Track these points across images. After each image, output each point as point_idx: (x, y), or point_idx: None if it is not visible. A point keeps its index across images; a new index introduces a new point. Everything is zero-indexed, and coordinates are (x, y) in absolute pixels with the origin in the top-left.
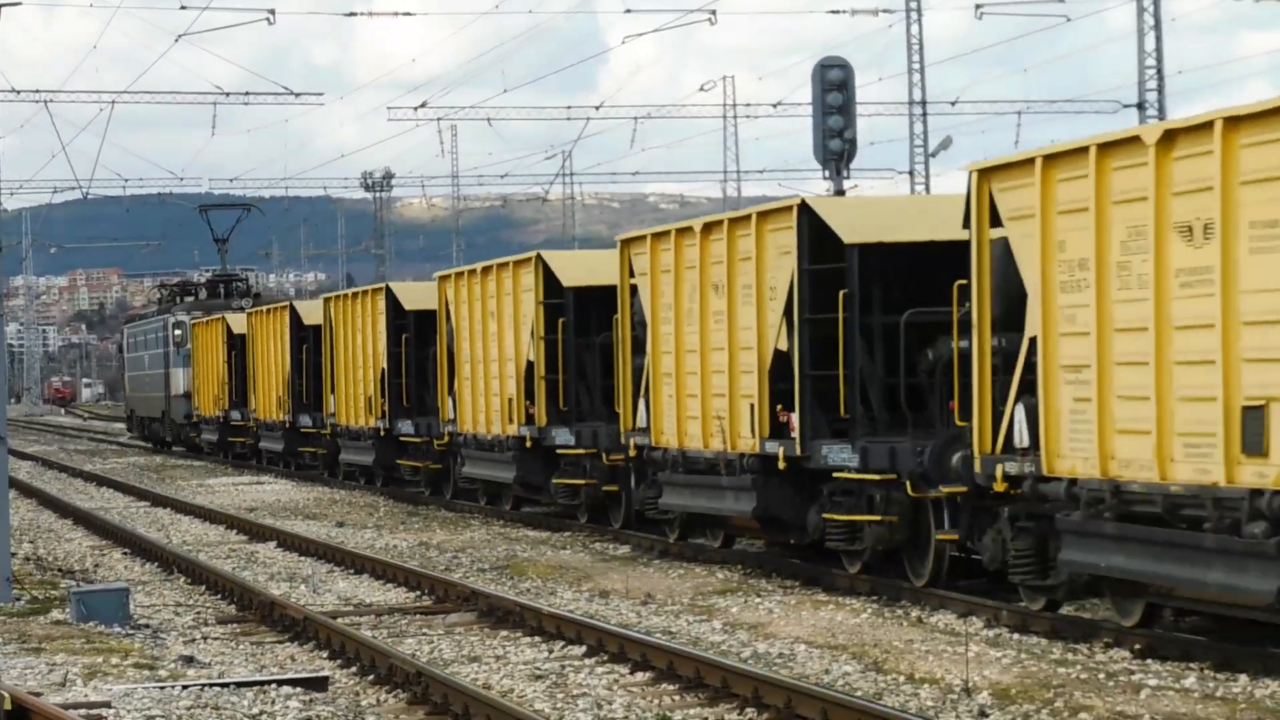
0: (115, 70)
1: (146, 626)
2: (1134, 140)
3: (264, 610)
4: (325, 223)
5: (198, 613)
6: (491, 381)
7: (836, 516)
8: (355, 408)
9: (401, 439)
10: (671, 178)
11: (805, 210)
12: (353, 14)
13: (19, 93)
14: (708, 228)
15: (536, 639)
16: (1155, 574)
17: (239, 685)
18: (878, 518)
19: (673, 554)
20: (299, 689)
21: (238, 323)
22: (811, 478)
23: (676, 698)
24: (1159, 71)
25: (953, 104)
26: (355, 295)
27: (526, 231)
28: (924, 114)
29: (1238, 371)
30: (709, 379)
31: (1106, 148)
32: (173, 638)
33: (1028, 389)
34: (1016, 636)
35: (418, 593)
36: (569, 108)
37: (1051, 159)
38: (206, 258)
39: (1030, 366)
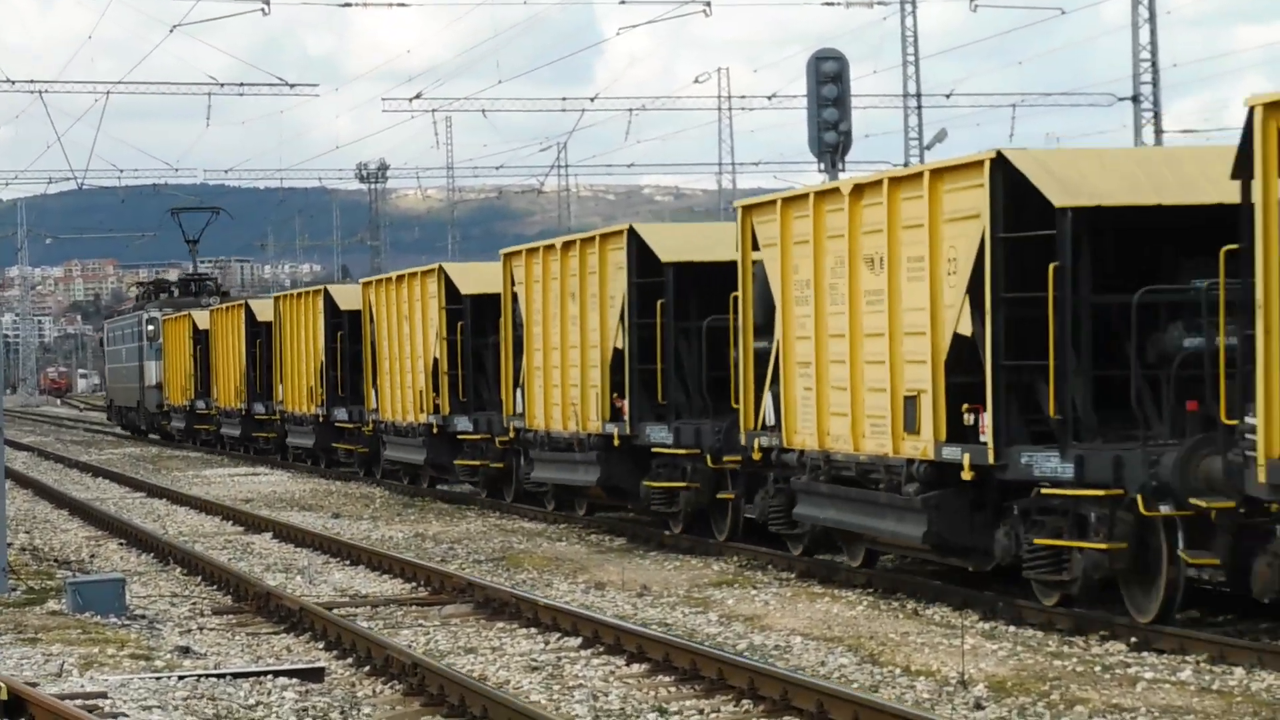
0: (110, 60)
1: (142, 617)
2: (836, 191)
3: (260, 601)
4: (320, 214)
5: (194, 603)
6: (407, 375)
7: (657, 484)
8: (300, 396)
9: (336, 424)
10: (667, 170)
11: (633, 234)
12: (347, 4)
13: (14, 83)
14: (566, 245)
15: (533, 630)
16: (854, 524)
17: (235, 676)
18: (687, 484)
19: (669, 546)
20: (295, 680)
21: (202, 319)
22: (643, 453)
23: (673, 689)
24: (1154, 64)
25: (948, 96)
26: (300, 295)
27: (522, 223)
28: (919, 106)
29: (901, 370)
30: (567, 372)
31: (821, 195)
32: (169, 628)
33: (776, 381)
34: (1013, 629)
35: (414, 584)
36: (564, 99)
37: (788, 201)
38: (201, 248)
39: (777, 363)
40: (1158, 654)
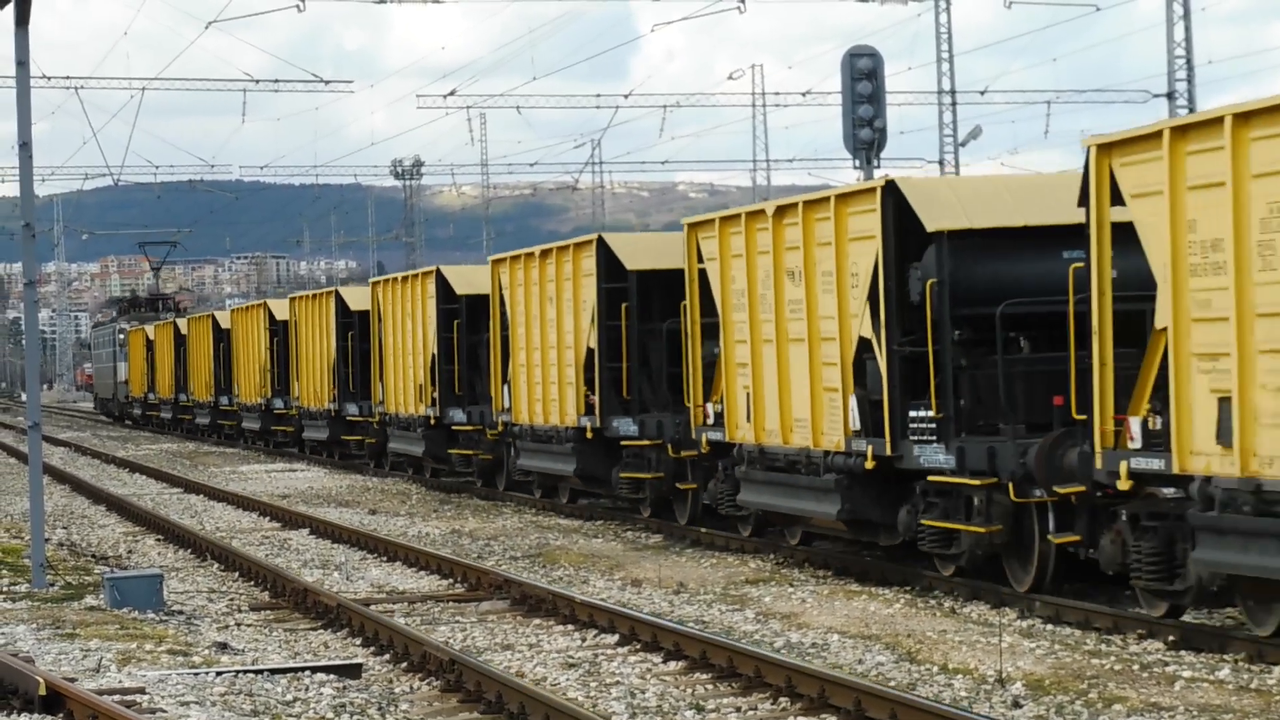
0: (146, 56)
1: (180, 613)
2: (760, 213)
3: (297, 597)
4: (356, 211)
5: (231, 599)
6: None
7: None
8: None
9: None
10: (701, 166)
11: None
12: (383, 1)
13: (50, 79)
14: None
15: (569, 627)
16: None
17: (273, 672)
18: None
19: (704, 543)
20: (333, 676)
21: (150, 332)
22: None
23: (709, 687)
24: (1188, 62)
25: (982, 93)
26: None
27: (556, 220)
28: (953, 103)
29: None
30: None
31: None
32: (206, 624)
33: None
34: (1050, 627)
35: (450, 580)
36: (598, 96)
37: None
38: (239, 244)
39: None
40: (1196, 652)
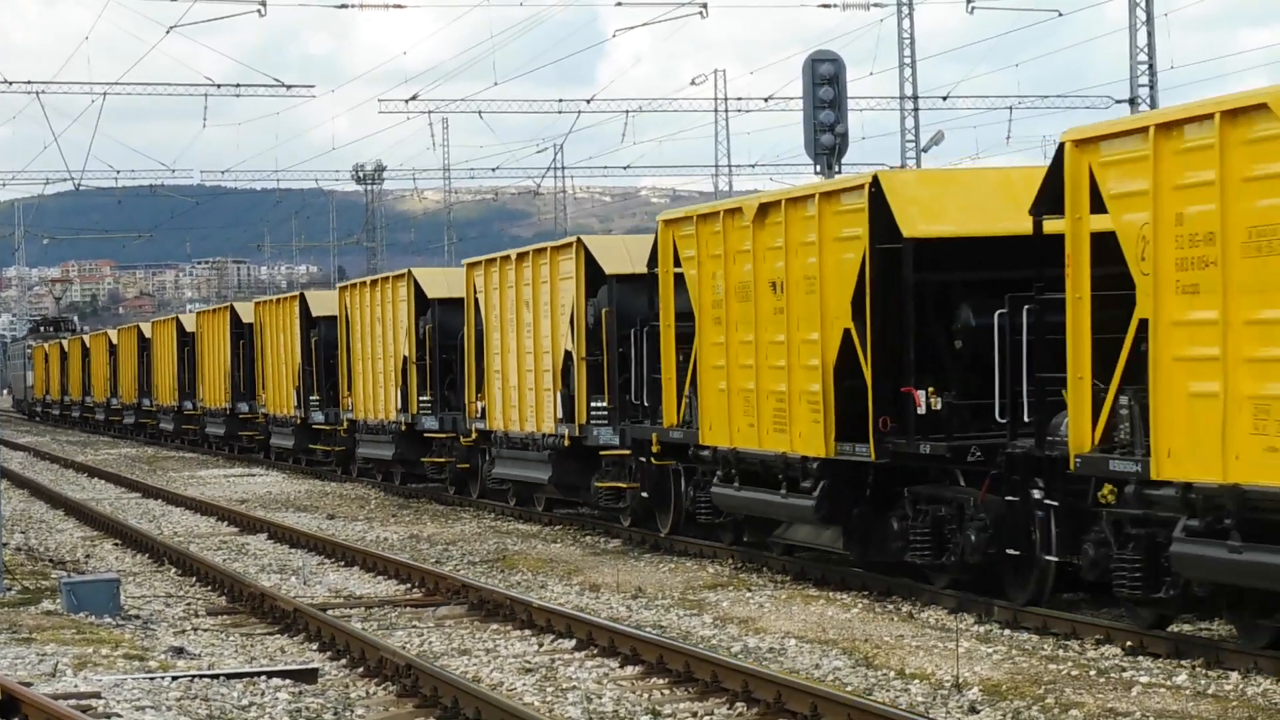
0: (107, 61)
1: (137, 617)
2: (508, 258)
3: (254, 602)
4: (317, 215)
5: (188, 604)
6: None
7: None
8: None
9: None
10: (664, 171)
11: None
12: (344, 5)
13: (10, 84)
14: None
15: (527, 632)
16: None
17: (229, 677)
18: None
19: (664, 548)
20: (289, 680)
21: (50, 350)
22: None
23: (666, 692)
24: (1151, 67)
25: (944, 99)
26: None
27: (519, 225)
28: (915, 109)
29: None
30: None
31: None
32: (163, 629)
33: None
34: (1007, 633)
35: (408, 585)
36: (560, 101)
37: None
38: (198, 249)
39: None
40: (1153, 658)
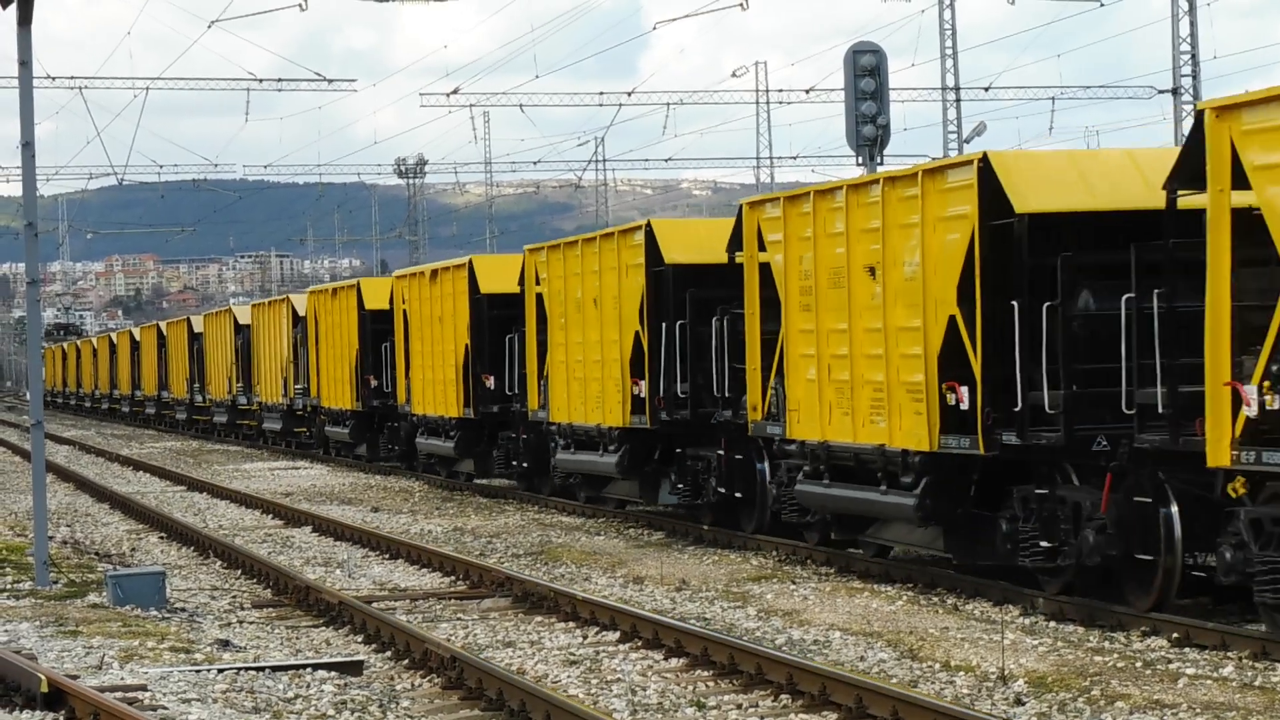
0: (150, 56)
1: (182, 610)
2: (831, 193)
3: (299, 595)
4: (359, 209)
5: (233, 597)
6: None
7: None
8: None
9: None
10: (705, 164)
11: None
12: None
13: (54, 79)
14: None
15: (571, 625)
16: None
17: (274, 669)
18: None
19: (707, 540)
20: (334, 673)
21: (56, 351)
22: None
23: (710, 684)
24: (1193, 57)
25: (986, 89)
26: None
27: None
28: (957, 99)
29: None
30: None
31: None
32: (209, 621)
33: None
34: (1053, 625)
35: (453, 578)
36: (601, 93)
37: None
38: (241, 243)
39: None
40: (1199, 650)
